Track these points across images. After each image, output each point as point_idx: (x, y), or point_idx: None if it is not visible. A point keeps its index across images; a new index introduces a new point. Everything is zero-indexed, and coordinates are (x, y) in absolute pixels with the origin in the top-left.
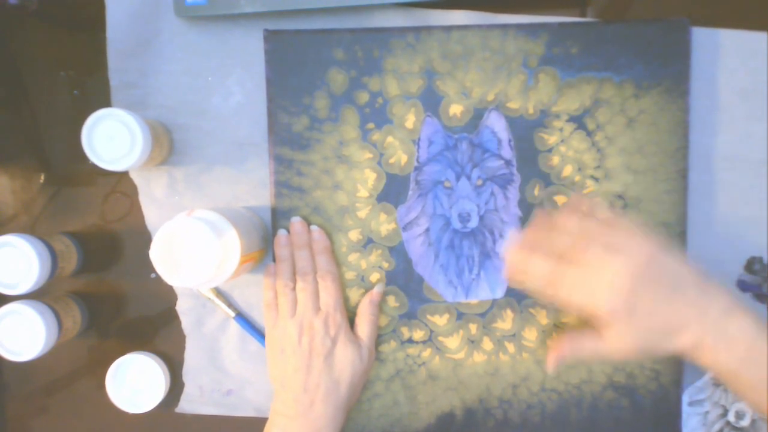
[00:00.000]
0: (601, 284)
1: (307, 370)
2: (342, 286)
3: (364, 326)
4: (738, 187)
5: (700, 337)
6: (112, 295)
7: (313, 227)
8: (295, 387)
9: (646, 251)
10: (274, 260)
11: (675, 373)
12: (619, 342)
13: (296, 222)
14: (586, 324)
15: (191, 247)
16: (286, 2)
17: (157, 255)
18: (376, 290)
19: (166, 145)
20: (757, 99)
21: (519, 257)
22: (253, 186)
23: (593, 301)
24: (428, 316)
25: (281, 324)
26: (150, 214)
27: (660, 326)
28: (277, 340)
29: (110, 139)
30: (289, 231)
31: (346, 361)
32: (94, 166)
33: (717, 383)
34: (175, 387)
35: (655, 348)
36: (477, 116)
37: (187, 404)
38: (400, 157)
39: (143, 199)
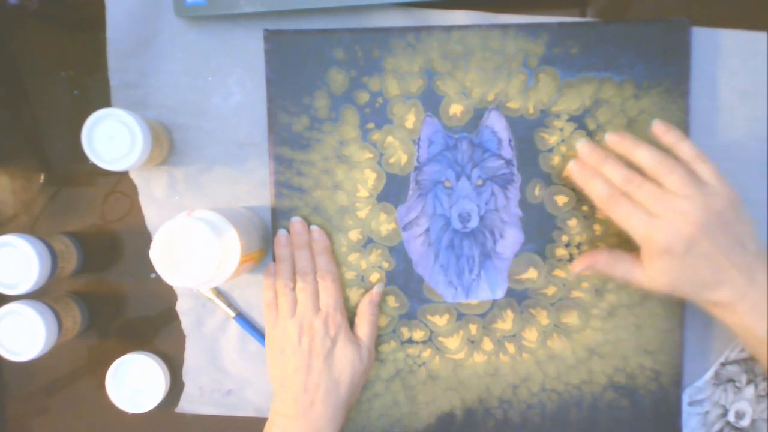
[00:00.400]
0: (673, 213)
1: (307, 370)
2: (342, 286)
3: (363, 326)
4: (738, 188)
5: (739, 297)
6: (112, 295)
7: (313, 227)
8: (295, 387)
9: (726, 197)
10: (274, 260)
11: (675, 373)
12: (660, 275)
13: (296, 222)
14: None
15: (191, 247)
16: (286, 2)
17: (157, 255)
18: (376, 290)
19: (166, 145)
20: (758, 99)
21: (584, 171)
22: (253, 186)
23: (651, 230)
24: (428, 317)
25: (281, 324)
26: (150, 214)
27: (707, 276)
28: (277, 340)
29: (110, 139)
30: (289, 231)
31: (346, 361)
32: (94, 166)
33: (717, 383)
34: (175, 387)
35: (690, 293)
36: (477, 116)
37: (187, 404)
38: (400, 157)
39: (143, 199)
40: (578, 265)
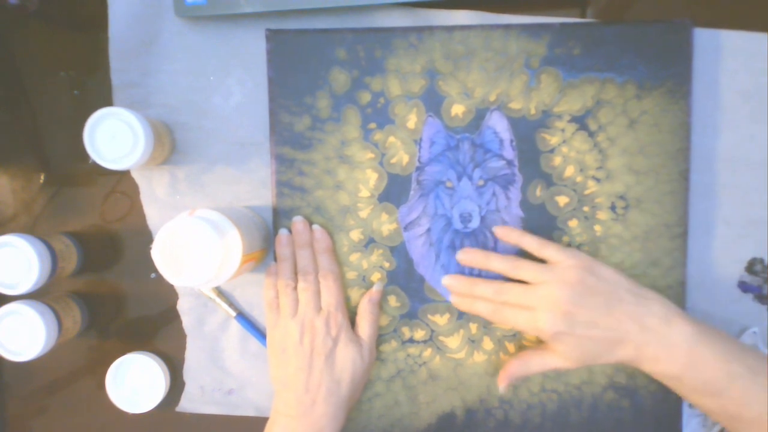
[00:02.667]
0: (543, 301)
1: (308, 370)
2: (343, 285)
3: (364, 325)
4: (739, 189)
5: (640, 347)
6: (112, 295)
7: (315, 226)
8: (296, 387)
9: (577, 266)
10: (275, 260)
11: None
12: (564, 354)
13: (298, 221)
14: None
15: (193, 246)
16: (287, 2)
17: (159, 255)
18: (376, 289)
19: (168, 145)
20: (759, 100)
21: (463, 300)
22: (255, 186)
23: (535, 323)
24: (429, 316)
25: (282, 323)
26: (151, 213)
27: (601, 337)
28: (278, 340)
29: (112, 138)
30: (290, 230)
31: (348, 360)
32: (95, 166)
33: None
34: (176, 387)
35: (598, 358)
36: (479, 116)
37: (188, 403)
38: (401, 157)
39: (145, 199)
40: (502, 385)
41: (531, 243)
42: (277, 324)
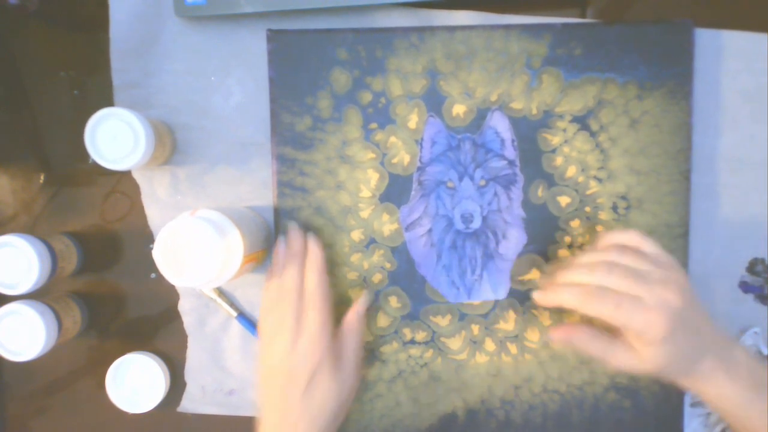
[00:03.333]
0: (654, 305)
1: (284, 405)
2: (344, 287)
3: (350, 342)
4: (740, 189)
5: (715, 363)
6: (112, 295)
7: (310, 238)
8: (273, 419)
9: (685, 277)
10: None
11: None
12: (654, 359)
13: (291, 229)
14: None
15: (194, 247)
16: (287, 2)
17: (160, 255)
18: (361, 302)
19: (169, 145)
20: (760, 101)
21: (546, 294)
22: (256, 186)
23: (645, 320)
24: (430, 317)
25: (265, 346)
26: (153, 213)
27: (689, 352)
28: (263, 363)
29: (113, 138)
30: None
31: (327, 390)
32: (95, 166)
33: None
34: (176, 387)
35: (680, 369)
36: (480, 116)
37: (189, 404)
38: (402, 157)
39: (146, 199)
40: (556, 338)
41: (625, 235)
42: (262, 347)
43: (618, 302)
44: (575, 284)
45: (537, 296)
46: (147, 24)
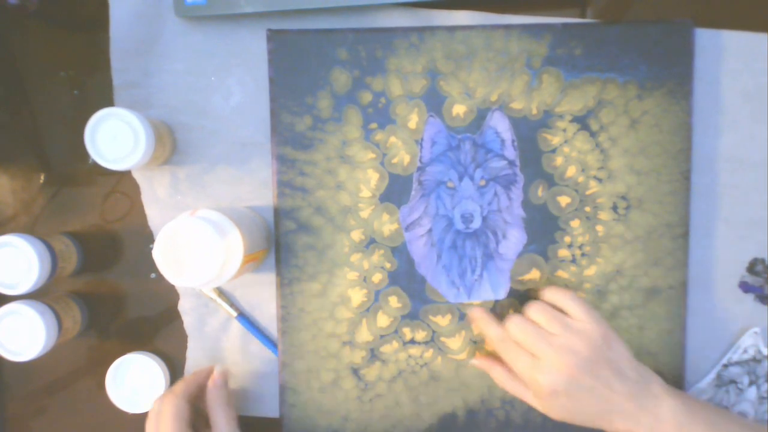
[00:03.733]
0: (553, 354)
1: None
2: (344, 287)
3: (218, 418)
4: (740, 189)
5: (627, 425)
6: (112, 295)
7: (215, 370)
8: None
9: (598, 331)
10: (276, 260)
11: (677, 374)
12: (551, 411)
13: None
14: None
15: (194, 247)
16: (287, 2)
17: (160, 255)
18: (217, 371)
19: (169, 145)
20: (760, 101)
21: (482, 316)
22: (256, 186)
23: (535, 374)
24: (430, 317)
25: None
26: (153, 213)
27: (597, 409)
28: None
29: (113, 138)
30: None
31: None
32: (95, 166)
33: (720, 385)
34: None
35: (587, 423)
36: (480, 116)
37: None
38: (402, 157)
39: (146, 199)
40: (477, 365)
41: (556, 293)
42: None
43: (515, 357)
44: (499, 330)
45: (473, 313)
46: (147, 24)
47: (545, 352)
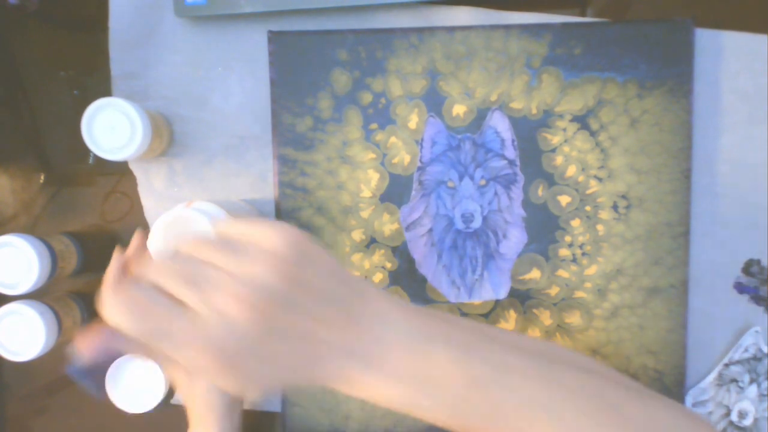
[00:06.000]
0: (208, 323)
1: None
2: None
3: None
4: (738, 190)
5: (343, 364)
6: None
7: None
8: None
9: (280, 260)
10: None
11: (678, 373)
12: (230, 383)
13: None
14: None
15: (189, 238)
16: (287, 2)
17: (155, 246)
18: None
19: (166, 137)
20: (759, 102)
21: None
22: (253, 179)
23: (186, 364)
24: None
25: None
26: (149, 205)
27: (296, 359)
28: None
29: (110, 128)
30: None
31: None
32: (95, 166)
33: (721, 384)
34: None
35: (285, 382)
36: (480, 116)
37: None
38: (403, 157)
39: (142, 191)
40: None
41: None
42: None
43: (154, 313)
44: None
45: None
46: (147, 16)
47: (202, 297)
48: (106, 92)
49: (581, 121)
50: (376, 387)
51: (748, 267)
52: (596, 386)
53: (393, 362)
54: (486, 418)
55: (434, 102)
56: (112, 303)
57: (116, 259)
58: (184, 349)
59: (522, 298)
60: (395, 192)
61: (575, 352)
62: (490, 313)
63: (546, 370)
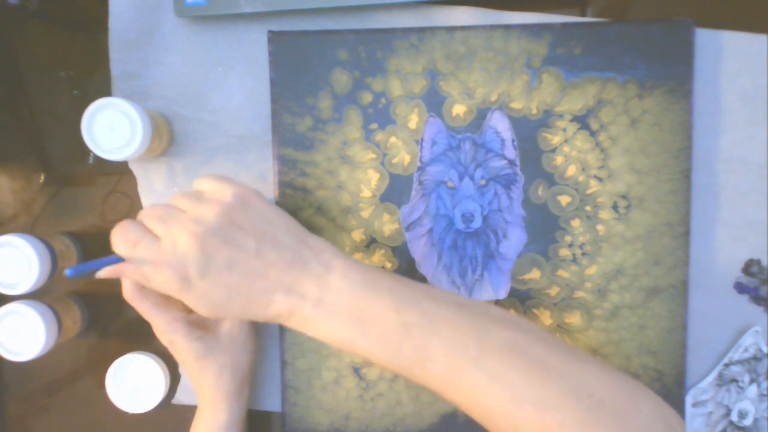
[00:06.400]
0: (166, 247)
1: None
2: None
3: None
4: (738, 190)
5: (290, 301)
6: (112, 295)
7: None
8: None
9: (229, 195)
10: None
11: (678, 373)
12: (196, 305)
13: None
14: None
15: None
16: (287, 2)
17: None
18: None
19: (166, 136)
20: (759, 102)
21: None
22: (253, 179)
23: (159, 260)
24: None
25: None
26: (149, 205)
27: (245, 290)
28: None
29: (110, 128)
30: None
31: (183, 355)
32: (95, 166)
33: (721, 383)
34: (176, 387)
35: (242, 314)
36: (480, 116)
37: (184, 396)
38: (403, 157)
39: (142, 191)
40: (102, 274)
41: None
42: None
43: (138, 239)
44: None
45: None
46: (147, 18)
47: (166, 229)
48: (106, 92)
49: (581, 121)
50: (320, 325)
51: (748, 267)
52: (525, 342)
53: (336, 304)
54: (416, 362)
55: (434, 102)
56: (114, 234)
57: None
58: (152, 268)
59: (522, 298)
60: (395, 192)
61: (513, 314)
62: None
63: (475, 323)
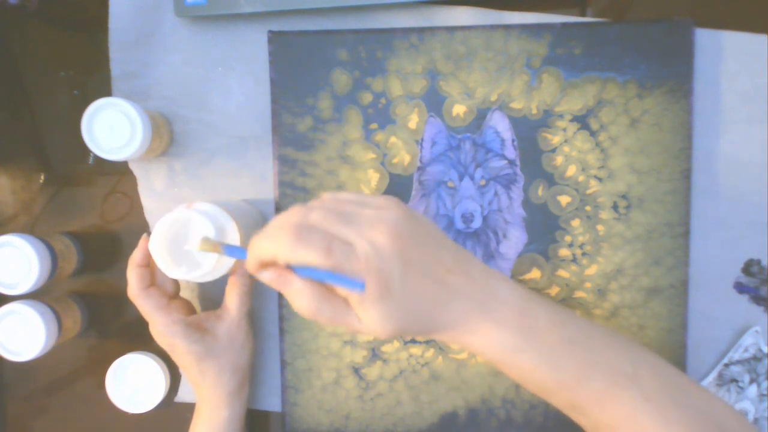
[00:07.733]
0: (363, 247)
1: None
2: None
3: (231, 297)
4: (738, 190)
5: (469, 307)
6: (112, 295)
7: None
8: None
9: (401, 210)
10: None
11: None
12: (377, 323)
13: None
14: None
15: (190, 239)
16: (287, 2)
17: (155, 247)
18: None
19: (166, 136)
20: (758, 102)
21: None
22: (253, 179)
23: (354, 262)
24: None
25: None
26: (149, 205)
27: (425, 303)
28: None
29: (110, 128)
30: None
31: (183, 358)
32: (95, 166)
33: (721, 384)
34: (176, 387)
35: (420, 325)
36: (480, 116)
37: (186, 394)
38: (403, 157)
39: (142, 191)
40: (266, 278)
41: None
42: None
43: (329, 244)
44: (275, 227)
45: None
46: (147, 18)
47: (358, 231)
48: (106, 92)
49: (581, 121)
50: (490, 333)
51: (748, 267)
52: (662, 364)
53: (505, 312)
54: (577, 377)
55: (434, 102)
56: (290, 242)
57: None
58: (350, 266)
59: None
60: (395, 192)
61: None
62: None
63: (621, 342)
